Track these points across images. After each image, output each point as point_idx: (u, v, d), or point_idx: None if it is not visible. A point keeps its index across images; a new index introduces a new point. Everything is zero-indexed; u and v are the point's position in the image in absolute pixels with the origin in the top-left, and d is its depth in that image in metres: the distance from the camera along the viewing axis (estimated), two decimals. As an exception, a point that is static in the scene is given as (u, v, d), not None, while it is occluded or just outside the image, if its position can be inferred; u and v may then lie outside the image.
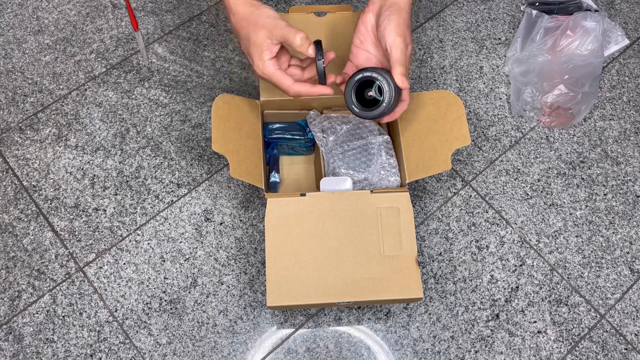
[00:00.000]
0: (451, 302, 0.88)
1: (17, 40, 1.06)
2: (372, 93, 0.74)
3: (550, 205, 0.95)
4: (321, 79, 0.73)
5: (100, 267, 0.89)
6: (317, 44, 0.71)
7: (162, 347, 0.84)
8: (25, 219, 0.92)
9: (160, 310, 0.86)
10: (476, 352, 0.85)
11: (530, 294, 0.89)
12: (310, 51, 0.70)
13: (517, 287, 0.89)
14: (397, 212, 0.79)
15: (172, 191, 0.94)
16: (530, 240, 0.93)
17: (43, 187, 0.94)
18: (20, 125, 0.99)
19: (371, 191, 0.80)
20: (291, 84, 0.71)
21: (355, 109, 0.74)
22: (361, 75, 0.73)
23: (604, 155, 1.00)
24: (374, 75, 0.72)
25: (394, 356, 0.85)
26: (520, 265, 0.91)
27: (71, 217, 0.92)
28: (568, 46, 0.98)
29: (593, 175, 0.98)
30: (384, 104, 0.72)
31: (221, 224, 0.92)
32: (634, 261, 0.92)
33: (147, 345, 0.84)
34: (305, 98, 0.82)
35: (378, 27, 0.72)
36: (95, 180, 0.95)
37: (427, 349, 0.85)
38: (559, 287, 0.90)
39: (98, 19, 1.08)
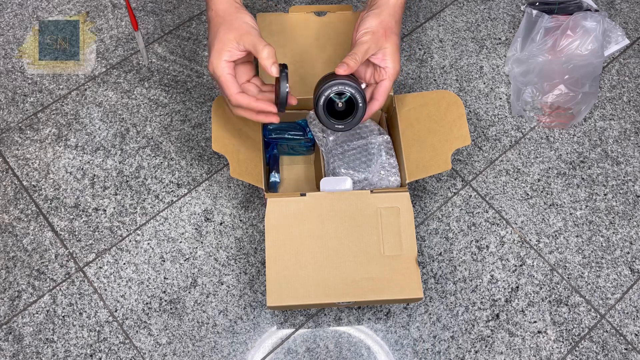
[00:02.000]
0: (451, 302, 0.88)
1: (17, 40, 1.06)
2: (341, 104, 0.72)
3: (550, 205, 0.95)
4: (282, 105, 0.69)
5: (100, 267, 0.89)
6: (284, 67, 0.68)
7: (162, 347, 0.84)
8: (25, 219, 0.92)
9: (160, 310, 0.86)
10: (476, 352, 0.85)
11: (531, 294, 0.89)
12: (274, 70, 0.66)
13: (517, 287, 0.89)
14: (397, 212, 0.79)
15: (172, 191, 0.94)
16: (530, 240, 0.93)
17: (43, 187, 0.94)
18: (20, 125, 0.99)
19: (371, 191, 0.80)
20: (235, 93, 0.68)
21: (339, 126, 0.73)
22: (323, 96, 0.71)
23: (604, 155, 1.00)
24: (335, 88, 0.70)
25: (394, 356, 0.85)
26: (521, 265, 0.91)
27: (71, 217, 0.92)
28: (568, 46, 0.98)
29: (593, 175, 0.98)
30: (360, 105, 0.71)
31: (221, 224, 0.92)
32: (634, 261, 0.92)
33: (147, 345, 0.84)
34: (306, 95, 0.82)
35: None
36: (95, 180, 0.95)
37: (427, 349, 0.85)
38: (559, 287, 0.90)
39: (98, 19, 1.08)
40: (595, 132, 1.02)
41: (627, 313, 0.88)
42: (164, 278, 0.88)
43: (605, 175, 0.98)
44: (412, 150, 0.82)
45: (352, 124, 0.73)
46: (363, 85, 0.76)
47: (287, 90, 0.67)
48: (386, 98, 0.74)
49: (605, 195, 0.97)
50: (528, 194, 0.96)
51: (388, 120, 0.90)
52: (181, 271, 0.89)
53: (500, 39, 1.10)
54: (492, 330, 0.86)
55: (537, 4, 1.09)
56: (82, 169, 0.95)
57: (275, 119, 0.71)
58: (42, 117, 0.99)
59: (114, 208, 0.93)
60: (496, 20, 1.11)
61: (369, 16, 0.72)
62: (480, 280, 0.89)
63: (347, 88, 0.70)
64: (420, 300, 0.78)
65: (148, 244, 0.90)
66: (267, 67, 0.67)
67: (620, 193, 0.97)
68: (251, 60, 0.73)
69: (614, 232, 0.94)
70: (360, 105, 0.71)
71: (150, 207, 0.93)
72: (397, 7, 0.73)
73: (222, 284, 0.88)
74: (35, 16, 1.08)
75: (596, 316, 0.88)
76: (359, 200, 0.79)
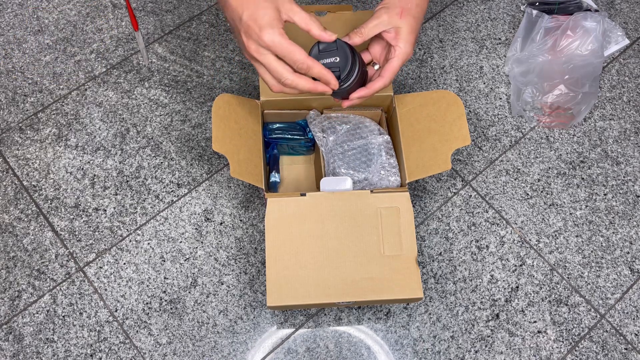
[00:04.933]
0: (451, 302, 0.88)
1: (17, 40, 1.06)
2: (332, 58, 0.69)
3: (550, 205, 0.95)
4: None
5: (101, 267, 0.89)
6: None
7: (162, 347, 0.84)
8: (26, 219, 0.92)
9: (160, 310, 0.86)
10: (476, 352, 0.85)
11: (530, 294, 0.89)
12: (334, 36, 0.65)
13: (517, 287, 0.89)
14: (397, 212, 0.79)
15: (172, 191, 0.94)
16: (530, 240, 0.93)
17: (43, 187, 0.94)
18: (20, 125, 0.99)
19: (371, 191, 0.80)
20: (307, 56, 0.65)
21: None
22: (315, 47, 0.69)
23: (604, 155, 1.00)
24: (327, 52, 0.69)
25: (394, 356, 0.85)
26: (520, 265, 0.91)
27: (71, 217, 0.92)
28: (568, 46, 0.98)
29: (593, 175, 0.98)
30: (353, 64, 0.69)
31: (221, 223, 0.92)
32: (634, 261, 0.92)
33: (147, 345, 0.84)
34: (306, 96, 0.82)
35: None
36: (95, 180, 0.95)
37: (427, 349, 0.85)
38: (559, 287, 0.90)
39: (98, 19, 1.08)
40: (595, 132, 1.02)
41: (627, 313, 0.88)
42: (164, 278, 0.88)
43: (605, 175, 0.98)
44: (412, 150, 0.82)
45: (343, 86, 0.70)
46: (376, 67, 0.75)
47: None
48: (392, 77, 0.72)
49: (605, 195, 0.97)
50: (528, 194, 0.96)
51: (388, 120, 0.91)
52: (181, 271, 0.89)
53: (500, 39, 1.10)
54: (492, 330, 0.86)
55: (537, 4, 1.09)
56: (83, 169, 0.95)
57: (329, 89, 0.69)
58: (43, 117, 0.99)
59: (114, 208, 0.93)
60: (496, 20, 1.11)
61: None
62: (480, 280, 0.89)
63: (339, 43, 0.69)
64: (420, 300, 0.78)
65: (148, 244, 0.90)
66: (324, 36, 0.65)
67: (620, 193, 0.97)
68: None
69: (614, 232, 0.94)
70: (354, 63, 0.69)
71: (151, 207, 0.93)
72: None
73: (222, 284, 0.88)
74: (35, 16, 1.08)
75: (596, 316, 0.88)
76: (359, 200, 0.79)
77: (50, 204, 0.93)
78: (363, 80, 0.73)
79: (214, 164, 0.97)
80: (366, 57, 0.77)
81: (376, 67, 0.76)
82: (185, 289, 0.88)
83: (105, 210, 0.93)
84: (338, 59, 0.69)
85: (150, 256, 0.90)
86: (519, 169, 0.98)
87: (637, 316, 0.88)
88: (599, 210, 0.95)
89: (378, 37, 0.73)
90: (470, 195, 0.96)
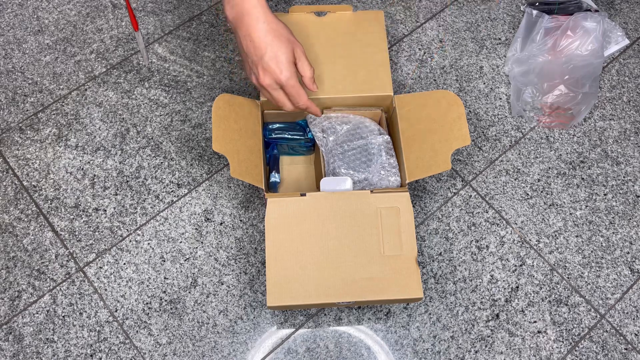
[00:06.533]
0: (451, 302, 0.88)
1: (17, 40, 1.06)
2: None
3: (550, 205, 0.95)
4: None
5: (101, 267, 0.89)
6: None
7: (162, 347, 0.84)
8: (26, 219, 0.92)
9: (160, 310, 0.86)
10: (476, 352, 0.85)
11: (530, 294, 0.89)
12: (315, 88, 0.78)
13: (517, 287, 0.89)
14: (397, 212, 0.79)
15: (172, 191, 0.94)
16: (530, 240, 0.93)
17: (43, 187, 0.94)
18: (20, 125, 0.99)
19: (371, 191, 0.80)
20: (307, 99, 0.77)
21: None
22: None
23: (604, 155, 1.00)
24: None
25: (394, 356, 0.85)
26: (520, 265, 0.91)
27: (71, 217, 0.92)
28: (568, 46, 0.98)
29: (593, 175, 0.98)
30: None
31: (221, 224, 0.92)
32: (634, 261, 0.92)
33: (147, 345, 0.84)
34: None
35: None
36: (95, 180, 0.95)
37: (427, 349, 0.85)
38: (559, 287, 0.90)
39: (98, 19, 1.08)
40: (595, 132, 1.02)
41: (627, 313, 0.88)
42: (164, 278, 0.88)
43: (605, 175, 0.98)
44: (412, 150, 0.82)
45: None
46: None
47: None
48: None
49: (605, 195, 0.97)
50: (528, 194, 0.96)
51: (388, 120, 0.91)
52: (181, 271, 0.89)
53: (500, 39, 1.10)
54: (492, 330, 0.86)
55: (537, 4, 1.09)
56: (83, 169, 0.95)
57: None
58: (43, 117, 0.99)
59: (114, 208, 0.93)
60: (496, 21, 1.11)
61: None
62: (480, 280, 0.89)
63: None
64: (420, 300, 0.78)
65: (148, 244, 0.90)
66: (312, 88, 0.78)
67: (620, 193, 0.97)
68: None
69: (614, 232, 0.94)
70: None
71: (151, 207, 0.93)
72: None
73: (222, 284, 0.88)
74: (35, 16, 1.09)
75: (596, 316, 0.88)
76: (359, 200, 0.79)
77: (50, 204, 0.93)
78: None
79: (214, 164, 0.97)
80: None
81: None
82: (185, 289, 0.88)
83: (105, 211, 0.93)
84: None
85: (150, 256, 0.90)
86: (519, 169, 0.98)
87: (637, 316, 0.88)
88: (599, 210, 0.95)
89: None
90: (470, 196, 0.96)
